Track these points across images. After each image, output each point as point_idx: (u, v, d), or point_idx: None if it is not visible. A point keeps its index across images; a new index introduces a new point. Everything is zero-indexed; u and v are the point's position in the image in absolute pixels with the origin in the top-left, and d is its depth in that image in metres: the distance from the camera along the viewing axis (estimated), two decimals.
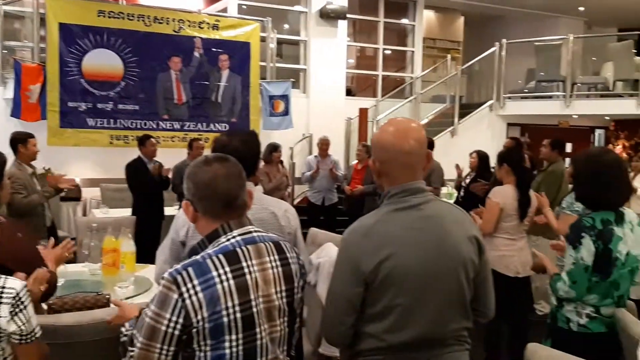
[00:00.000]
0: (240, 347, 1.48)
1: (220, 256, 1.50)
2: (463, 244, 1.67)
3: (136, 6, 7.67)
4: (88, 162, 7.62)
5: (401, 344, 1.63)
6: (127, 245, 3.43)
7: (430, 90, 10.52)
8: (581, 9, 11.68)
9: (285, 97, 8.37)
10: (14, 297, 1.66)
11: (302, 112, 8.99)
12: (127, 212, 5.77)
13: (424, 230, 1.64)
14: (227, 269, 1.48)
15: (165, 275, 1.46)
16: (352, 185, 7.07)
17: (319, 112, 9.12)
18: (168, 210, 6.04)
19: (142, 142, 5.81)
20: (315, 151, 7.56)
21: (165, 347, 1.44)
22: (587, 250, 2.21)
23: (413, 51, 10.91)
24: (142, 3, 8.11)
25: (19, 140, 4.44)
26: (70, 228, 6.60)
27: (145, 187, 5.72)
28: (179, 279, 1.44)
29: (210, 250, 1.52)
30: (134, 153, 6.00)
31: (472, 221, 1.78)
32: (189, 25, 7.73)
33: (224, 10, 9.02)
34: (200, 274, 1.45)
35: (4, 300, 1.64)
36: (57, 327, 2.16)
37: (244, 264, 1.51)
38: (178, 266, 1.48)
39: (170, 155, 6.30)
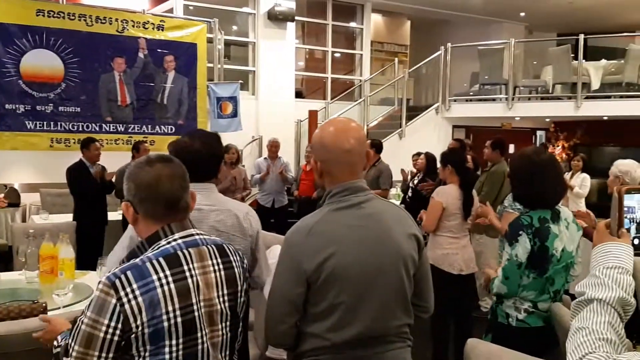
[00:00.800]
0: (181, 352, 1.44)
1: (161, 259, 1.45)
2: (403, 241, 1.70)
3: (77, 5, 7.44)
4: (27, 166, 7.31)
5: (344, 342, 1.64)
6: (66, 252, 3.29)
7: (379, 93, 10.67)
8: (522, 14, 12.11)
9: (233, 99, 8.29)
10: None
11: (252, 114, 8.96)
12: (68, 217, 5.58)
13: (365, 228, 1.65)
14: (168, 272, 1.44)
15: (103, 279, 1.42)
16: (300, 187, 7.08)
17: (268, 114, 9.11)
18: (111, 215, 5.88)
19: (86, 145, 5.63)
20: (265, 153, 7.52)
21: (103, 354, 1.39)
22: (523, 247, 2.28)
23: (361, 54, 11.05)
24: (84, 2, 7.86)
25: None
26: (8, 235, 6.31)
27: (87, 191, 5.54)
28: (117, 283, 1.40)
29: (150, 253, 1.48)
30: (76, 156, 5.79)
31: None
32: (133, 26, 7.55)
33: (170, 10, 8.87)
34: (139, 277, 1.41)
35: None
36: None
37: (185, 267, 1.47)
38: (116, 270, 1.43)
39: (113, 158, 6.12)
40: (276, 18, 9.22)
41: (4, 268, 4.82)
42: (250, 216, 2.23)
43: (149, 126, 7.72)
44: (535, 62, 10.84)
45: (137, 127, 7.63)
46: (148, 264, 1.44)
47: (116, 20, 7.41)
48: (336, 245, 1.61)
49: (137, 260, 1.46)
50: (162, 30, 7.78)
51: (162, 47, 7.76)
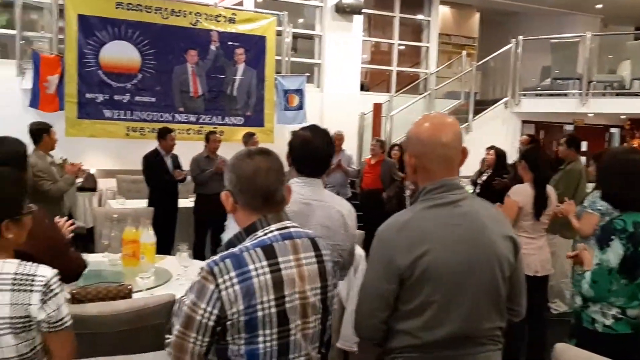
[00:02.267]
0: (274, 342, 1.47)
1: (258, 250, 1.49)
2: (499, 242, 1.66)
3: None
4: (104, 153, 7.67)
5: (435, 341, 1.62)
6: (147, 237, 3.43)
7: (445, 86, 10.47)
8: (599, 6, 11.56)
9: (299, 92, 8.37)
10: (44, 285, 1.67)
11: (316, 107, 8.99)
12: (142, 203, 5.81)
13: (460, 227, 1.62)
14: (264, 263, 1.48)
15: (204, 265, 1.47)
16: (364, 180, 7.06)
17: (332, 107, 9.12)
18: (182, 203, 6.07)
19: (162, 135, 5.83)
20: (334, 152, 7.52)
21: (199, 337, 1.45)
22: (614, 252, 2.19)
23: (428, 47, 10.87)
24: None
25: (44, 130, 4.49)
26: (86, 218, 6.64)
27: (161, 179, 5.75)
28: (216, 270, 1.44)
29: (248, 243, 1.52)
30: (150, 145, 6.02)
31: (507, 221, 1.76)
32: (206, 19, 7.74)
33: (240, 3, 9.00)
34: (237, 266, 1.45)
35: (35, 287, 1.66)
36: (81, 317, 2.17)
37: (280, 259, 1.51)
38: (216, 257, 1.48)
39: (185, 148, 6.32)
40: (343, 11, 9.20)
41: (82, 250, 5.08)
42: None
43: (219, 117, 7.92)
44: (611, 57, 10.34)
45: (208, 117, 7.84)
46: (246, 254, 1.48)
47: (190, 13, 7.63)
48: (431, 243, 1.59)
49: (236, 249, 1.50)
50: (234, 23, 7.94)
51: (233, 39, 7.93)
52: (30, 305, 1.65)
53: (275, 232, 1.55)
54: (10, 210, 1.73)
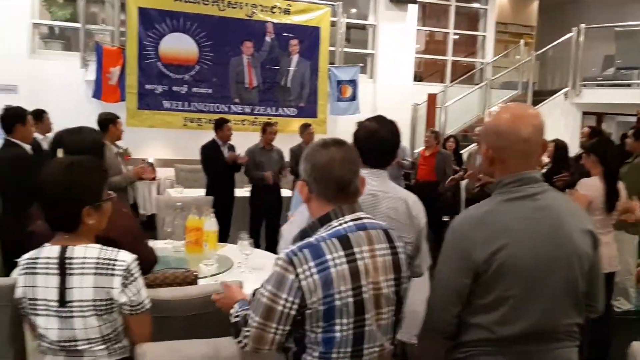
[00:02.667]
0: (351, 332, 1.49)
1: (335, 240, 1.50)
2: (578, 237, 1.61)
3: None
4: (162, 143, 7.89)
5: (511, 336, 1.59)
6: (210, 224, 3.51)
7: (501, 76, 10.22)
8: None
9: (353, 82, 8.35)
10: (125, 269, 1.74)
11: (369, 98, 8.95)
12: (199, 192, 5.94)
13: (539, 221, 1.59)
14: (341, 253, 1.49)
15: (281, 255, 1.49)
16: (419, 172, 6.99)
17: (385, 98, 9.04)
18: (238, 192, 6.17)
19: (219, 125, 5.93)
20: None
21: (280, 326, 1.48)
22: None
23: (484, 36, 10.61)
24: None
25: (111, 120, 4.62)
26: (145, 206, 6.85)
27: (218, 169, 5.86)
28: (295, 259, 1.47)
29: (324, 233, 1.53)
30: (206, 135, 6.14)
31: (587, 215, 1.71)
32: (262, 10, 7.82)
33: None
34: (315, 256, 1.47)
35: (116, 272, 1.73)
36: (154, 300, 2.24)
37: (356, 250, 1.51)
38: (293, 247, 1.50)
39: (240, 138, 6.41)
40: (398, 0, 9.09)
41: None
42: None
43: (273, 108, 8.00)
44: None
45: (262, 108, 7.94)
46: (322, 244, 1.49)
47: (246, 4, 7.73)
48: (508, 237, 1.56)
49: (312, 239, 1.52)
50: (289, 14, 7.98)
51: (288, 30, 7.98)
52: (113, 288, 1.72)
53: (350, 223, 1.55)
54: (91, 197, 1.79)
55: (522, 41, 10.38)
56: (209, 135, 6.09)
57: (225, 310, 1.80)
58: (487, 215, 1.61)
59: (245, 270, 3.14)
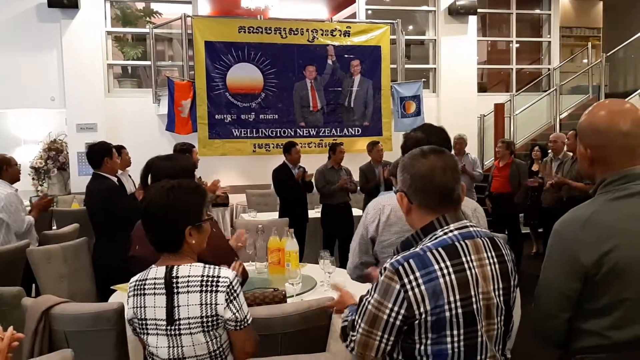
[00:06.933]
0: (462, 343, 1.46)
1: (440, 250, 1.48)
2: None
3: (273, 20, 8.04)
4: (233, 170, 8.10)
5: (627, 341, 1.51)
6: (291, 245, 3.55)
7: (570, 81, 9.89)
8: None
9: (416, 98, 8.31)
10: (228, 286, 1.79)
11: (433, 112, 8.88)
12: (272, 215, 6.04)
13: None
14: (448, 263, 1.46)
15: (387, 265, 1.48)
16: (493, 184, 6.82)
17: (450, 111, 8.95)
18: (310, 214, 6.23)
19: (288, 149, 6.06)
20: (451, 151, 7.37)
21: (385, 335, 1.47)
22: None
23: (549, 41, 10.33)
24: (276, 16, 8.48)
25: (187, 150, 4.84)
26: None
27: (290, 191, 5.95)
28: (401, 270, 1.45)
29: (429, 243, 1.51)
30: (275, 160, 6.27)
31: None
32: (322, 34, 7.96)
33: (352, 16, 9.16)
34: (421, 266, 1.45)
35: (220, 288, 1.78)
36: (253, 319, 2.30)
37: (464, 259, 1.48)
38: (399, 257, 1.48)
39: (308, 161, 6.50)
40: (457, 12, 9.03)
41: None
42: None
43: (338, 129, 8.07)
44: None
45: (327, 130, 8.02)
46: (429, 254, 1.47)
47: (307, 30, 7.88)
48: (619, 238, 1.49)
49: (418, 249, 1.49)
50: (348, 36, 8.08)
51: (349, 52, 8.07)
52: (218, 304, 1.77)
53: (455, 232, 1.52)
54: (193, 218, 1.86)
55: (589, 44, 10.02)
56: (277, 160, 6.22)
57: (339, 312, 1.83)
58: (593, 216, 1.54)
59: (329, 288, 3.15)
